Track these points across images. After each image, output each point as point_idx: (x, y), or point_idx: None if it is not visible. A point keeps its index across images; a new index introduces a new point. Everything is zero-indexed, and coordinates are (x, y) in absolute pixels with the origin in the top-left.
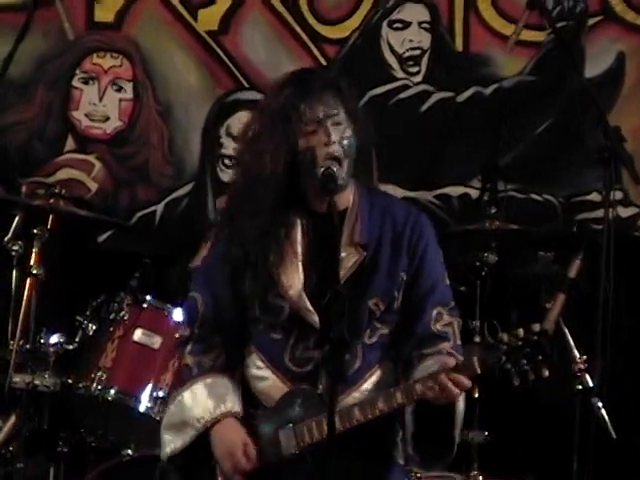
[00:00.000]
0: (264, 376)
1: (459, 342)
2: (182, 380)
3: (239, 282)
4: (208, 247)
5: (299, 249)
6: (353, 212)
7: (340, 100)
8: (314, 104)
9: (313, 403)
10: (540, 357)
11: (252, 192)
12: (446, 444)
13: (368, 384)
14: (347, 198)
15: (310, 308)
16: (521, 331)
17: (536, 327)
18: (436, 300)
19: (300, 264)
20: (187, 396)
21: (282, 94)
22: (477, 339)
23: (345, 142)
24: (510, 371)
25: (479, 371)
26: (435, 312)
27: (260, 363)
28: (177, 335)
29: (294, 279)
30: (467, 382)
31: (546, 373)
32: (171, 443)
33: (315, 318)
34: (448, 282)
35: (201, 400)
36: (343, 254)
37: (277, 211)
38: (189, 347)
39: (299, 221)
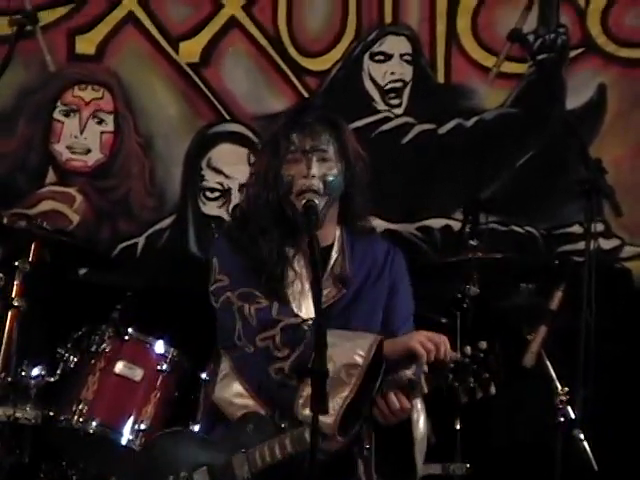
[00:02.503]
0: (242, 393)
1: None
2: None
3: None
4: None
5: (304, 275)
6: (338, 248)
7: (334, 138)
8: (304, 135)
9: (265, 428)
10: (486, 374)
11: (251, 214)
12: (407, 467)
13: None
14: (332, 233)
15: None
16: (469, 349)
17: (483, 344)
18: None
19: (307, 291)
20: None
21: (278, 124)
22: None
23: (329, 179)
24: (457, 388)
25: (426, 390)
26: None
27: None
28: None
29: (303, 306)
30: (407, 404)
31: (493, 390)
32: None
33: None
34: (412, 318)
35: None
36: (327, 290)
37: (282, 233)
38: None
39: (303, 247)
